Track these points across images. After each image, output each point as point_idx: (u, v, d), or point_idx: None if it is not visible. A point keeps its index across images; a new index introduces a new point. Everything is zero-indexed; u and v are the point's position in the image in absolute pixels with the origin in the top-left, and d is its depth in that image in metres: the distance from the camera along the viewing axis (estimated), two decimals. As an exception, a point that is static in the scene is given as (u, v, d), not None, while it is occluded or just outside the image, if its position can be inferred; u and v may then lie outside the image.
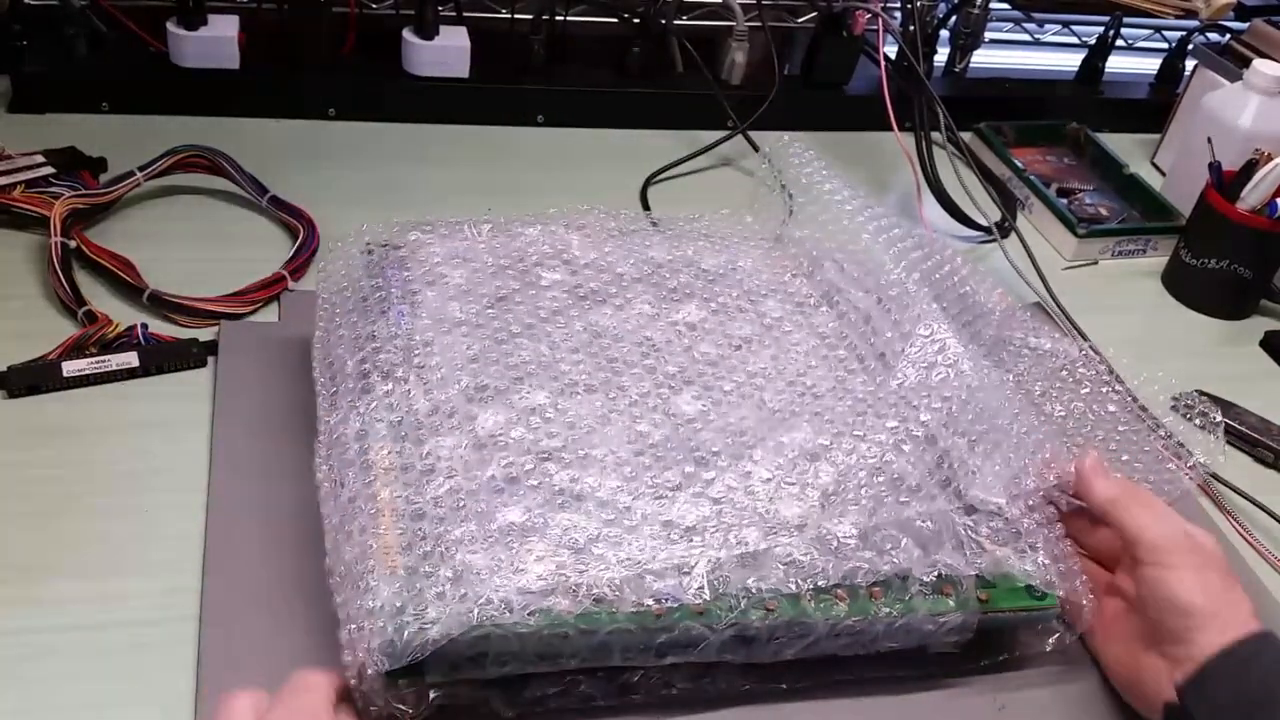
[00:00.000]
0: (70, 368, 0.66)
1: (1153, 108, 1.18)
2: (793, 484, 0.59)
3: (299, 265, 0.78)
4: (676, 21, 1.04)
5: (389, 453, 0.56)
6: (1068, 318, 0.87)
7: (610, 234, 0.74)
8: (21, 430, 0.63)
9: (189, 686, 0.52)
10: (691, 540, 0.55)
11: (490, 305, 0.67)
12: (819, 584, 0.54)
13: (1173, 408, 0.81)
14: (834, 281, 0.74)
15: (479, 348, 0.63)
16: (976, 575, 0.57)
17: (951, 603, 0.56)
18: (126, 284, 0.74)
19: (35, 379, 0.66)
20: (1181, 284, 0.96)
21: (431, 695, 0.51)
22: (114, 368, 0.67)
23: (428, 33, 0.97)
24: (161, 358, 0.69)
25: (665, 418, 0.61)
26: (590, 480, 0.56)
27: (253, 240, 0.82)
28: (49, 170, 0.81)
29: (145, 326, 0.70)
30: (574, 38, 1.04)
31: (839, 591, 0.55)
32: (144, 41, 0.94)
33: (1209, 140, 0.96)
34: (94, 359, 0.67)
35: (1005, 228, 0.97)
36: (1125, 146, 1.13)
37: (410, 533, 0.53)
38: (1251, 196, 0.90)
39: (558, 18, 1.02)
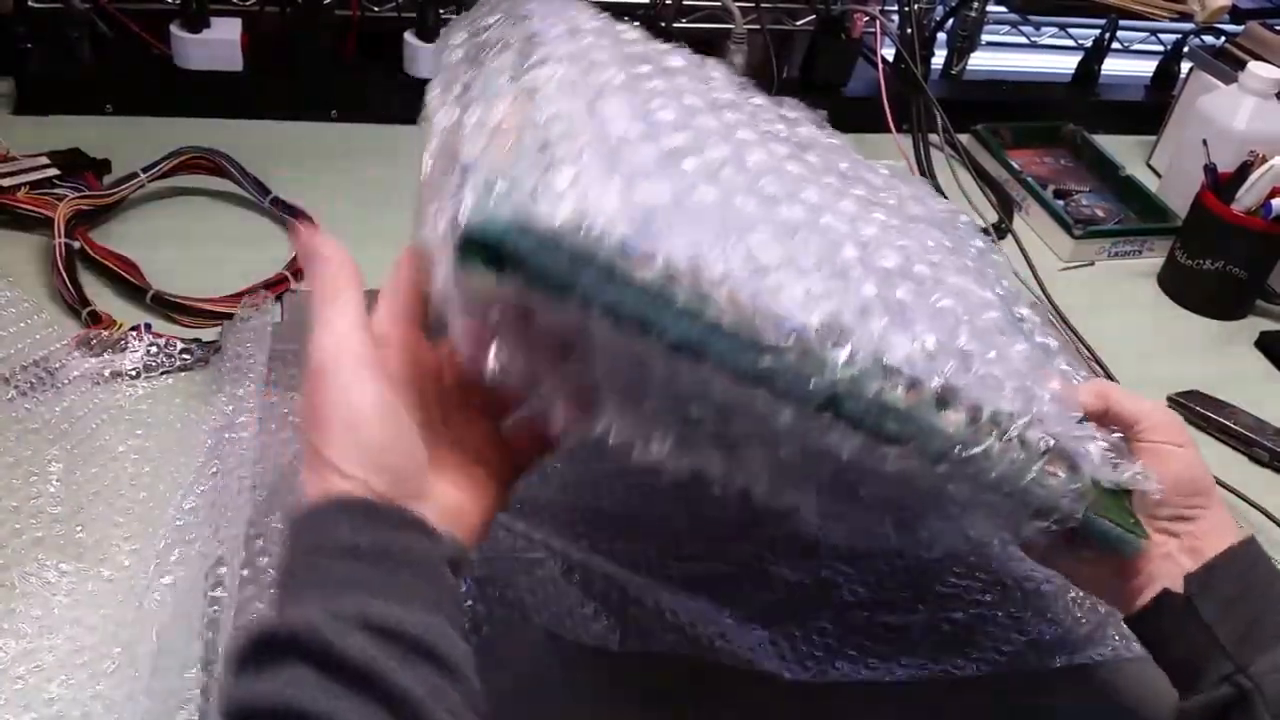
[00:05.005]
0: (74, 368, 0.67)
1: (1148, 110, 1.19)
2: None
3: (301, 266, 0.79)
4: (675, 24, 1.05)
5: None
6: (1064, 319, 0.88)
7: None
8: (24, 429, 0.64)
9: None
10: (841, 282, 0.47)
11: (627, 81, 0.54)
12: (945, 383, 0.46)
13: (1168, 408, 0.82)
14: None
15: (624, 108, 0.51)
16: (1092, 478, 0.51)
17: (1063, 474, 0.49)
18: (130, 284, 0.74)
19: (39, 379, 0.66)
20: (1177, 285, 0.97)
21: (496, 314, 0.44)
22: (117, 368, 0.68)
23: (429, 35, 0.98)
24: (164, 358, 0.69)
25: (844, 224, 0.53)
26: (758, 203, 0.48)
27: (255, 241, 0.83)
28: (53, 172, 0.81)
29: (148, 326, 0.71)
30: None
31: (960, 407, 0.47)
32: (147, 44, 0.94)
33: (1204, 142, 0.97)
34: (97, 359, 0.68)
35: (1002, 229, 0.97)
36: (1121, 148, 1.13)
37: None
38: (1247, 198, 0.90)
39: (558, 20, 1.02)
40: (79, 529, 0.59)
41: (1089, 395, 0.55)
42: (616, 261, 0.41)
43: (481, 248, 0.40)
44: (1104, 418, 0.55)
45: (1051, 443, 0.49)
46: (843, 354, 0.43)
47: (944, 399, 0.46)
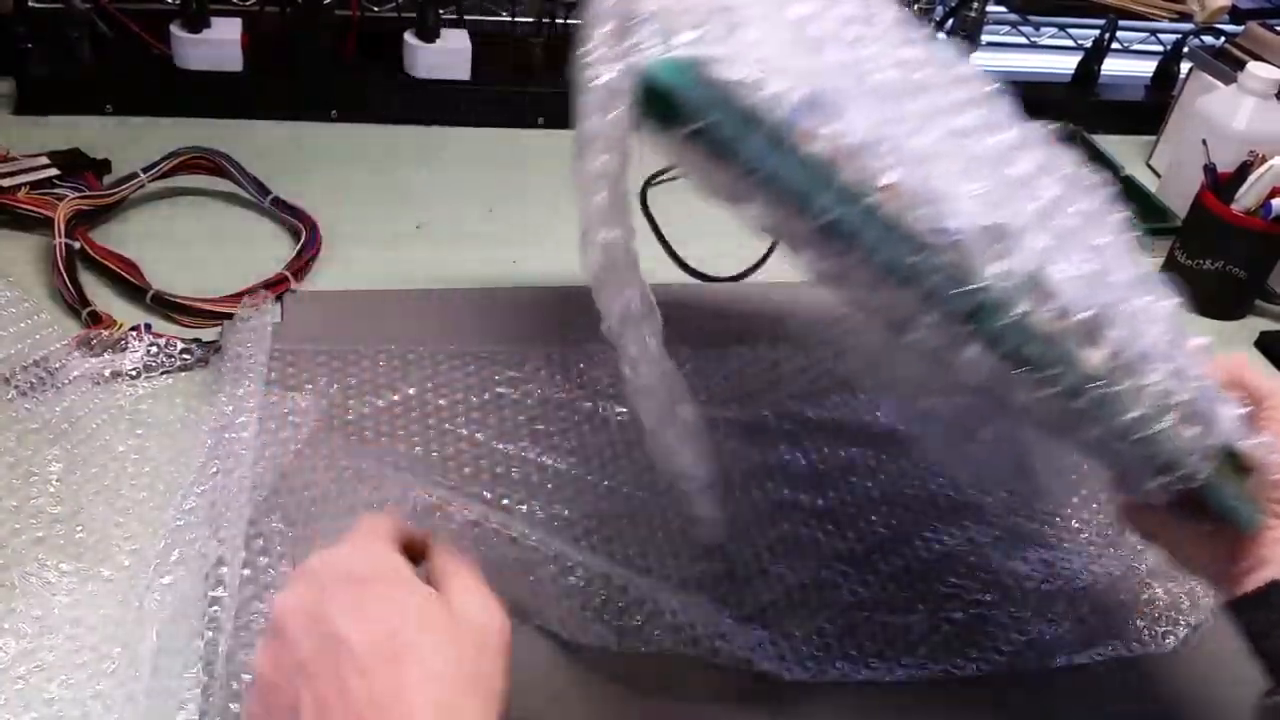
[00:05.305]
0: (74, 368, 0.67)
1: (1148, 110, 1.19)
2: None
3: (301, 266, 0.79)
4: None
5: None
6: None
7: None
8: (25, 429, 0.64)
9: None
10: (1007, 195, 0.45)
11: None
12: (1095, 315, 0.44)
13: None
14: None
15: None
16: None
17: (1194, 432, 0.47)
18: (130, 284, 0.74)
19: (39, 379, 0.66)
20: (1177, 285, 0.96)
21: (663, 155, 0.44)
22: (117, 368, 0.68)
23: (429, 35, 0.98)
24: (164, 358, 0.69)
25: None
26: (928, 106, 0.47)
27: (255, 241, 0.83)
28: (53, 172, 0.81)
29: (148, 327, 0.71)
30: (574, 40, 1.04)
31: (1105, 344, 0.45)
32: (147, 44, 0.94)
33: (1204, 142, 0.97)
34: (98, 359, 0.68)
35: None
36: (1121, 148, 1.13)
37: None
38: (1246, 198, 0.90)
39: (558, 20, 1.02)
40: (79, 529, 0.59)
41: (1220, 367, 0.53)
42: (785, 129, 0.40)
43: (655, 94, 0.40)
44: (1232, 391, 0.53)
45: (1187, 398, 0.46)
46: (998, 265, 0.42)
47: (1091, 332, 0.44)
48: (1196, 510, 0.50)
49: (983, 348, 0.43)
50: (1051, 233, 0.46)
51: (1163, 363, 0.46)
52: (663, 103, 0.40)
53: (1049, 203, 0.49)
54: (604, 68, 0.43)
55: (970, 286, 0.41)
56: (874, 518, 0.67)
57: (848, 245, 0.41)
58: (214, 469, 0.62)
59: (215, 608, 0.55)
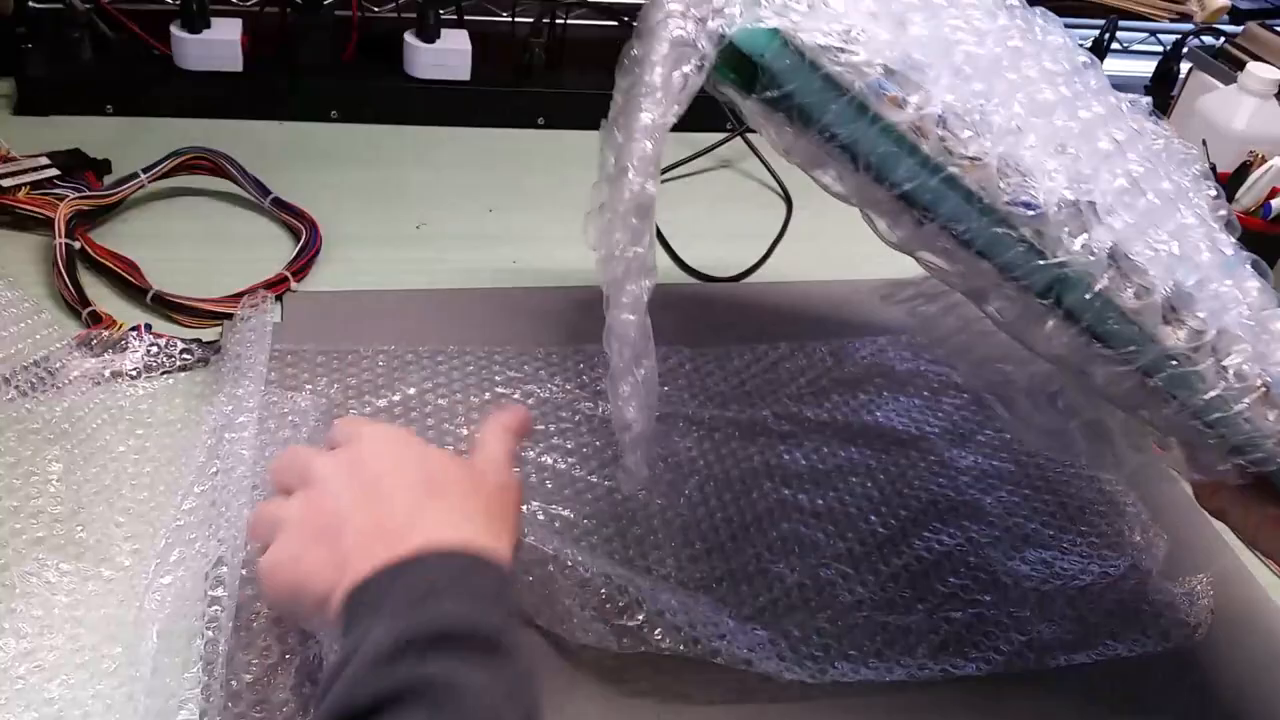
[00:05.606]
0: (74, 368, 0.67)
1: (1149, 110, 1.19)
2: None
3: (301, 266, 0.79)
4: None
5: None
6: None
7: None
8: (25, 430, 0.64)
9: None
10: (1093, 171, 0.44)
11: None
12: (1176, 293, 0.44)
13: None
14: None
15: None
16: None
17: (1272, 417, 0.46)
18: (130, 285, 0.74)
19: (39, 379, 0.66)
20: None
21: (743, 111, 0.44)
22: (117, 368, 0.68)
23: (429, 36, 0.98)
24: (164, 358, 0.69)
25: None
26: (1018, 77, 0.47)
27: (255, 241, 0.83)
28: (53, 172, 0.81)
29: (149, 327, 0.71)
30: (574, 41, 1.05)
31: (1185, 322, 0.45)
32: (148, 44, 0.94)
33: (1204, 143, 0.97)
34: (98, 359, 0.68)
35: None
36: (1121, 149, 1.13)
37: None
38: (1246, 198, 0.90)
39: (558, 21, 1.02)
40: (79, 529, 0.59)
41: None
42: (870, 96, 0.40)
43: (740, 58, 0.40)
44: None
45: (1267, 381, 0.46)
46: (1080, 240, 0.42)
47: (1172, 310, 0.43)
48: (1268, 493, 0.49)
49: (1061, 321, 0.43)
50: (1137, 210, 0.45)
51: (1244, 344, 0.45)
52: (747, 67, 0.40)
53: (1135, 179, 0.48)
54: (681, 22, 0.43)
55: (1050, 260, 0.41)
56: (874, 518, 0.67)
57: (927, 214, 0.41)
58: (214, 469, 0.62)
59: (215, 608, 0.55)
